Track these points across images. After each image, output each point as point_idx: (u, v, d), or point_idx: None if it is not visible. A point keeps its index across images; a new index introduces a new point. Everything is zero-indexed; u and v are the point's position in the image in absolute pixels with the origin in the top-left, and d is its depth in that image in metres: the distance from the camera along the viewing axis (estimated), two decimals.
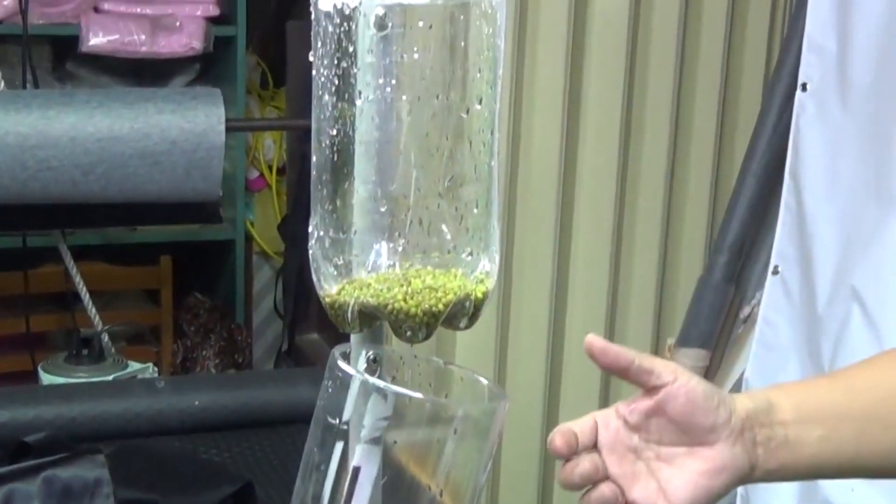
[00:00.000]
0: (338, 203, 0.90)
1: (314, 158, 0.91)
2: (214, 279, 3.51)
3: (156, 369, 1.99)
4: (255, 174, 3.52)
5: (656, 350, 2.45)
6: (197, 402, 1.59)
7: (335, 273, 0.91)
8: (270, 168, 3.53)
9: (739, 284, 2.28)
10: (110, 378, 1.88)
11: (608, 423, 0.93)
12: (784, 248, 2.05)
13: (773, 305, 2.07)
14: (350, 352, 0.93)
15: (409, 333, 0.90)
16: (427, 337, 0.91)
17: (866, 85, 1.90)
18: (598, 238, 2.39)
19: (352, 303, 0.90)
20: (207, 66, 3.32)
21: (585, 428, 0.92)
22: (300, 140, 3.15)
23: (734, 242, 2.23)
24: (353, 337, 0.95)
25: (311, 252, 0.92)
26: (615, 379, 2.43)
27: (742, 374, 2.13)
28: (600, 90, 2.32)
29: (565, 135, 2.30)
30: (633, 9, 2.30)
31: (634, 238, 2.43)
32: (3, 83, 2.31)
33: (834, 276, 1.93)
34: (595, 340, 0.93)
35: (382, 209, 0.88)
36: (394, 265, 0.89)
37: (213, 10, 3.20)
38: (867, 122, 1.88)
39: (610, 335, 2.46)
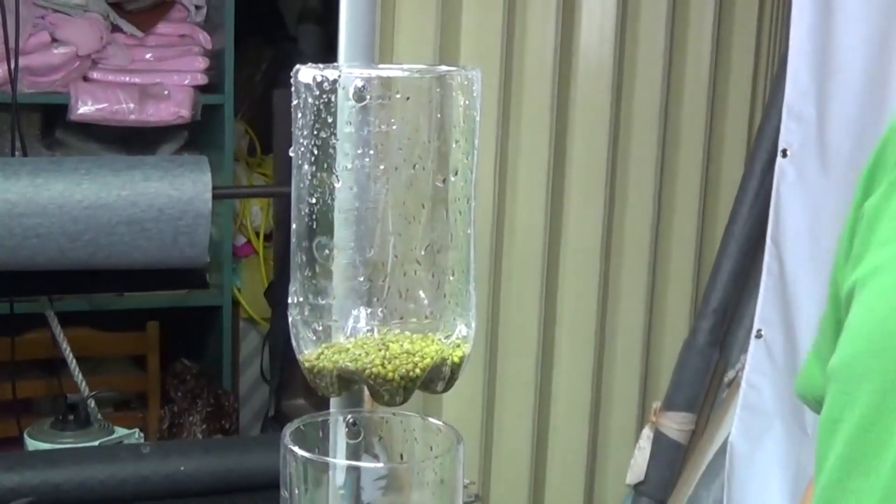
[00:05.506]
0: (317, 269, 0.92)
1: (293, 226, 0.93)
2: (201, 345, 3.51)
3: (142, 435, 1.99)
4: (242, 240, 3.54)
5: (642, 413, 2.45)
6: (183, 468, 1.59)
7: (314, 338, 0.93)
8: (258, 234, 3.54)
9: (724, 349, 2.30)
10: (96, 444, 1.88)
11: None
12: (767, 312, 2.06)
13: (756, 369, 2.08)
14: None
15: (387, 397, 0.92)
16: (405, 400, 0.92)
17: (845, 151, 1.92)
18: (584, 302, 2.40)
19: (331, 367, 0.92)
20: (195, 134, 3.35)
21: None
22: (287, 207, 3.15)
23: (718, 307, 2.25)
24: (331, 403, 0.96)
25: (290, 318, 0.94)
26: (602, 440, 2.46)
27: (727, 438, 2.14)
28: (584, 157, 2.34)
29: (550, 200, 2.32)
30: (616, 76, 2.34)
31: (619, 302, 2.44)
32: None
33: None
34: None
35: (361, 276, 0.90)
36: (372, 330, 0.91)
37: (202, 79, 3.23)
38: (846, 188, 1.89)
39: (596, 399, 2.46)
